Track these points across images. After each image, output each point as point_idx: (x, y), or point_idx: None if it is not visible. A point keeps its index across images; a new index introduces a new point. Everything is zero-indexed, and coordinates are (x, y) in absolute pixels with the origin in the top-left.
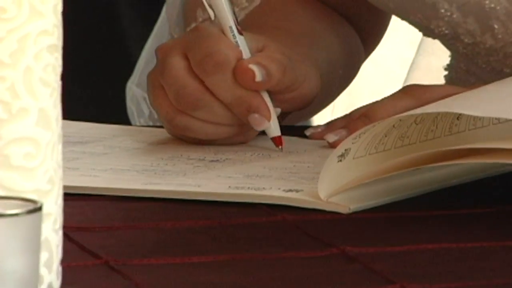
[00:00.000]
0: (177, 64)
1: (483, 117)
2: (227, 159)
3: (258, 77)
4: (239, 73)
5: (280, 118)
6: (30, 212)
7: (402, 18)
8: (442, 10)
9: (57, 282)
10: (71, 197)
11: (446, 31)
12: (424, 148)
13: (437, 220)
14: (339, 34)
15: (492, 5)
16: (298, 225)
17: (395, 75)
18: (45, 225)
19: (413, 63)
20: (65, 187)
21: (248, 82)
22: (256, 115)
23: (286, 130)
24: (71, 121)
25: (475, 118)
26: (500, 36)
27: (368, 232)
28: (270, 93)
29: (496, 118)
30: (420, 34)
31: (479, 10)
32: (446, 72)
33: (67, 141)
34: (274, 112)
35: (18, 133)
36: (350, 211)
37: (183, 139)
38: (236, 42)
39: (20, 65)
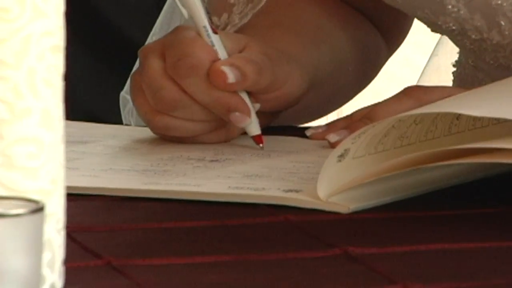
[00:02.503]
0: (155, 65)
1: (483, 118)
2: (226, 159)
3: (231, 78)
4: (212, 75)
5: (270, 118)
6: (33, 212)
7: (410, 14)
8: (449, 6)
9: (59, 282)
10: (73, 198)
11: (454, 27)
12: (424, 148)
13: (439, 220)
14: (350, 30)
15: (499, 2)
16: (300, 226)
17: (398, 77)
18: (48, 225)
19: (426, 64)
20: (65, 187)
21: (221, 84)
22: (237, 113)
23: (286, 130)
24: (71, 121)
25: (474, 118)
26: (506, 33)
27: (370, 232)
28: (250, 93)
29: (495, 119)
30: (424, 35)
31: (486, 7)
32: (454, 69)
33: (67, 141)
34: (253, 111)
35: (21, 133)
36: (350, 211)
37: (165, 138)
38: (211, 42)
39: (23, 66)
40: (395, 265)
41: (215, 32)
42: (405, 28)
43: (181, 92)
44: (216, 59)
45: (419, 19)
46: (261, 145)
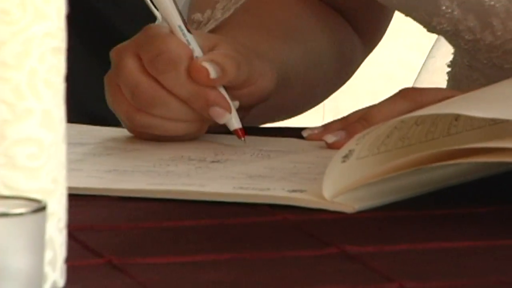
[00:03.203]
0: (130, 64)
1: (480, 119)
2: (227, 160)
3: (212, 74)
4: (193, 71)
5: (243, 114)
6: (35, 211)
7: (405, 14)
8: (443, 7)
9: (61, 280)
10: (75, 197)
11: (448, 28)
12: (424, 148)
13: (437, 220)
14: (328, 29)
15: (492, 3)
16: (298, 225)
17: (394, 78)
18: (50, 224)
19: (423, 66)
20: (70, 188)
21: (203, 80)
22: (217, 108)
23: (283, 131)
24: (70, 123)
25: (472, 119)
26: (499, 33)
27: (367, 231)
28: (227, 89)
29: (492, 120)
30: (421, 37)
31: (479, 8)
32: (449, 69)
33: (68, 143)
34: (233, 105)
35: (22, 133)
36: (355, 211)
37: (142, 137)
38: (187, 40)
39: (24, 67)
40: (392, 264)
41: (189, 32)
42: (382, 29)
43: (159, 88)
44: (192, 56)
45: (414, 19)
46: (243, 139)
